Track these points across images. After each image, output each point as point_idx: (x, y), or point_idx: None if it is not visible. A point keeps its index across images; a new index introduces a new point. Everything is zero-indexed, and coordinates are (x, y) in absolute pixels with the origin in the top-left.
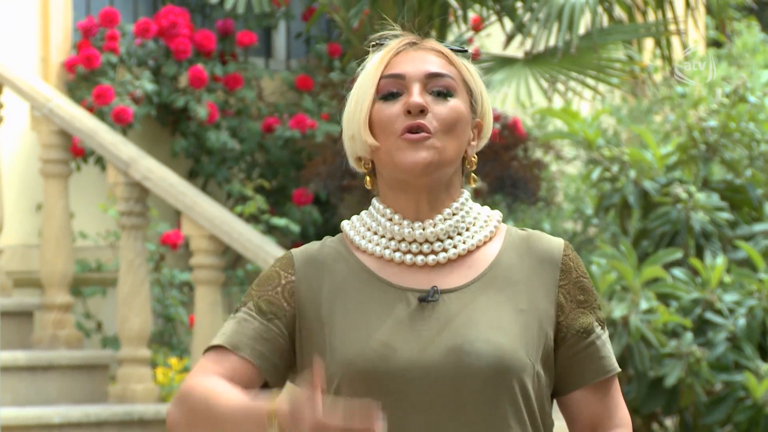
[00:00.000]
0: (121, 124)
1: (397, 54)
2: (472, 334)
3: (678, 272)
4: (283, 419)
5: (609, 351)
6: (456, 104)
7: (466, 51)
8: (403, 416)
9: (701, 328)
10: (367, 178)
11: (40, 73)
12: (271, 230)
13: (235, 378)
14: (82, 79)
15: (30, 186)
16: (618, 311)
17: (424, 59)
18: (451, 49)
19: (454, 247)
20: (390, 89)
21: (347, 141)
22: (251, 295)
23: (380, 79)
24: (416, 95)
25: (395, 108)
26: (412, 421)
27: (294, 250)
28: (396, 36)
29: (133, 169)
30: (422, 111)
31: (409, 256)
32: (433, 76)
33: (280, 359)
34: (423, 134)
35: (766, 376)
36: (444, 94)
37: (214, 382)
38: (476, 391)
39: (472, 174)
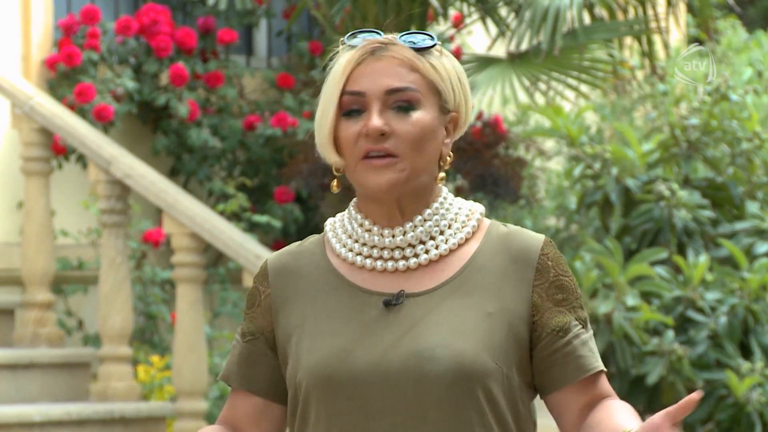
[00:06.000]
0: (102, 122)
1: (360, 64)
2: (433, 340)
3: (660, 270)
4: None
5: (590, 350)
6: (420, 117)
7: (434, 45)
8: (365, 422)
9: (683, 326)
10: (335, 181)
11: (21, 70)
12: (252, 228)
13: (240, 413)
14: (63, 76)
15: (11, 184)
16: (604, 307)
17: (385, 72)
18: (416, 49)
19: (426, 252)
20: (351, 106)
21: (317, 148)
22: (243, 318)
23: (342, 95)
24: (375, 117)
25: (357, 126)
26: (374, 427)
27: (270, 258)
28: (367, 35)
29: (115, 167)
30: (383, 134)
31: (379, 263)
32: (393, 92)
33: (272, 376)
34: (387, 160)
35: (748, 374)
36: (406, 108)
37: None
38: (438, 398)
39: (442, 173)
